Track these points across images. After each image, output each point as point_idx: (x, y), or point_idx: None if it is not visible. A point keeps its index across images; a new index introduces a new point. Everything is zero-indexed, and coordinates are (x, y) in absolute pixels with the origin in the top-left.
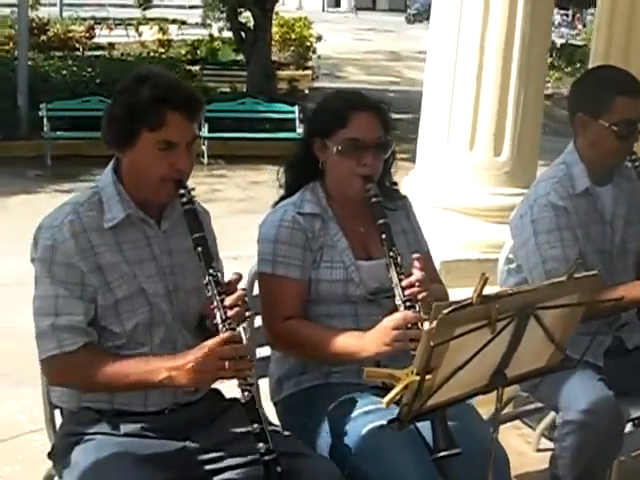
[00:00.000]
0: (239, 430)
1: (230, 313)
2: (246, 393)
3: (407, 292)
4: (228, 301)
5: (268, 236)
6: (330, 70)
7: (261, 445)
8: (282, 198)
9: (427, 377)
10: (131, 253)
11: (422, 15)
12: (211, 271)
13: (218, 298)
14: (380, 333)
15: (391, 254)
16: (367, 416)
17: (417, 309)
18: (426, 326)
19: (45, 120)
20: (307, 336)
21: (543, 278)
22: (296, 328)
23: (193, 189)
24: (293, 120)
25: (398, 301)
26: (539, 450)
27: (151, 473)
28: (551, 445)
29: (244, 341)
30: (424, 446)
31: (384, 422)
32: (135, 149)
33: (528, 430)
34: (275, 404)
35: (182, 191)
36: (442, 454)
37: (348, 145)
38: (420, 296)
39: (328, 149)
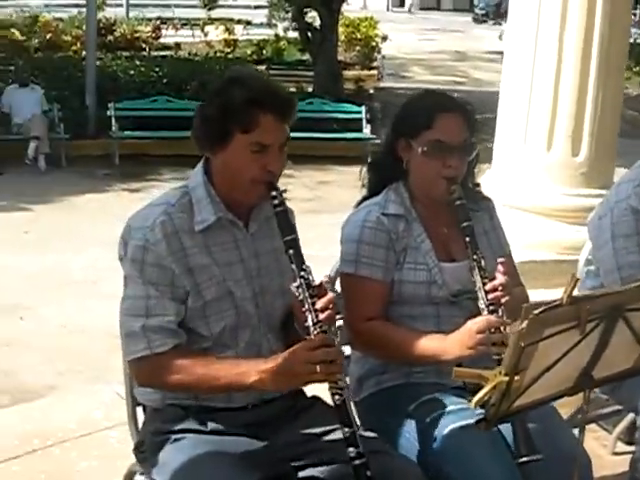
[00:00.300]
0: (323, 429)
1: (321, 316)
2: (337, 397)
3: (490, 296)
4: (319, 304)
5: (351, 236)
6: (395, 70)
7: (352, 449)
8: (365, 198)
9: (516, 378)
10: (220, 255)
11: (489, 15)
12: (303, 274)
13: (310, 301)
14: (463, 336)
15: (475, 257)
16: (449, 416)
17: (500, 313)
18: (509, 330)
19: (113, 120)
20: (388, 337)
21: (618, 285)
22: (377, 329)
23: (285, 191)
24: (360, 120)
25: (481, 305)
26: (615, 454)
27: (242, 472)
28: (627, 449)
29: (336, 344)
30: (506, 448)
31: (466, 422)
32: (227, 150)
33: (603, 433)
34: (355, 404)
35: (274, 193)
36: (523, 459)
37: (433, 147)
38: (503, 300)
39: (413, 150)
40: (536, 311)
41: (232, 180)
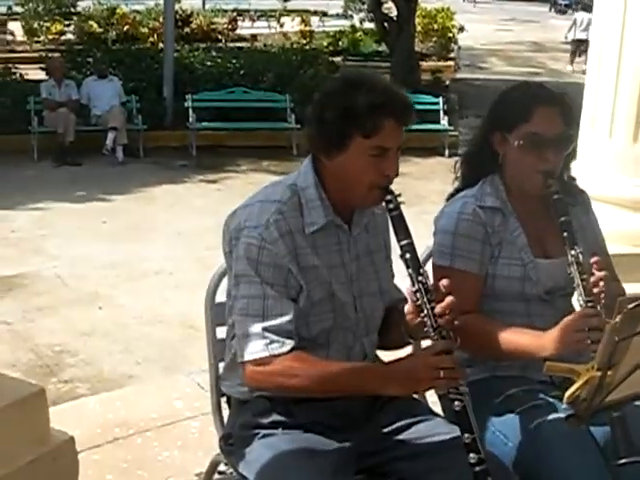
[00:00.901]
0: (409, 421)
1: (440, 321)
2: (457, 402)
3: (595, 290)
4: (438, 309)
5: (447, 227)
6: (472, 61)
7: (473, 455)
8: (457, 190)
9: (608, 373)
10: (326, 257)
11: (571, 6)
12: (420, 278)
13: (429, 306)
14: (562, 333)
15: (573, 253)
16: (536, 411)
17: (599, 310)
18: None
19: (190, 111)
20: (484, 331)
21: None
22: (473, 323)
23: (399, 195)
24: (437, 111)
25: (580, 301)
26: None
27: (332, 473)
28: None
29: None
30: (597, 450)
31: (554, 417)
32: (345, 154)
33: None
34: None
35: (389, 197)
36: (623, 461)
37: (530, 140)
38: (602, 296)
39: (508, 143)
40: (630, 305)
41: (348, 184)
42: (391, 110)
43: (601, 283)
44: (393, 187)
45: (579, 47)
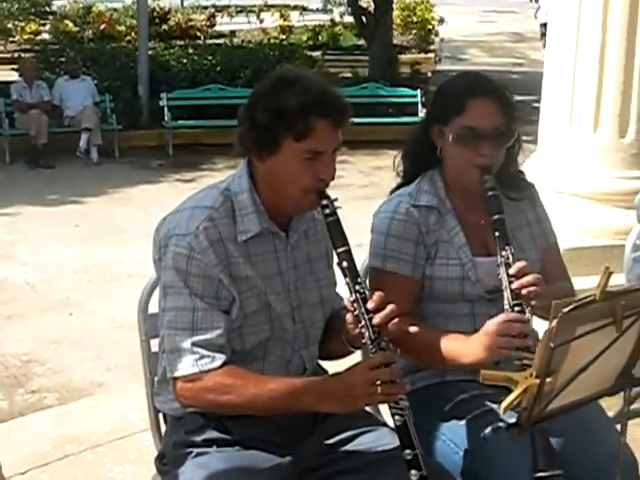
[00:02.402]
0: (351, 433)
1: (379, 331)
2: (397, 417)
3: (524, 291)
4: (377, 319)
5: (380, 228)
6: (453, 53)
7: (414, 472)
8: (399, 186)
9: (547, 380)
10: (261, 267)
11: None
12: (358, 287)
13: (367, 317)
14: (485, 338)
15: (503, 254)
16: (487, 417)
17: (527, 315)
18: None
19: (166, 109)
20: (413, 336)
21: None
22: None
23: (336, 199)
24: (416, 104)
25: (506, 305)
26: None
27: None
28: None
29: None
30: None
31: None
32: (277, 157)
33: None
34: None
35: (325, 202)
36: (540, 475)
37: (464, 134)
38: (532, 299)
39: (445, 136)
40: (566, 309)
41: (281, 189)
42: (324, 112)
43: (527, 290)
44: (373, 179)
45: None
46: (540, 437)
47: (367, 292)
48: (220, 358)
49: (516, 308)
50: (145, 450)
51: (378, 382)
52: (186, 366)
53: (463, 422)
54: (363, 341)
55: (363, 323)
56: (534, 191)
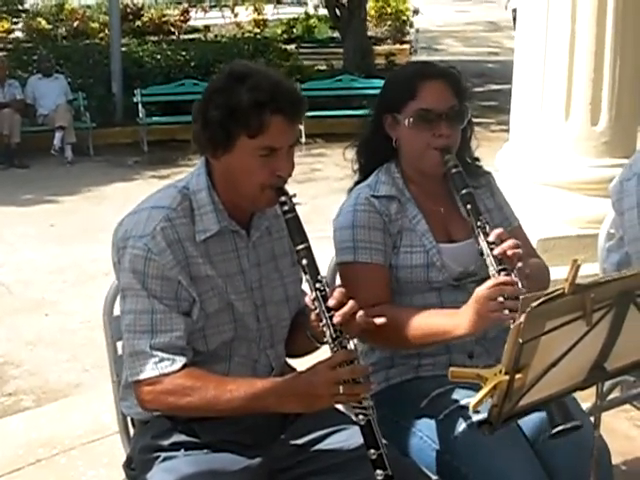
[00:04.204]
0: (321, 433)
1: (336, 320)
2: (361, 417)
3: (501, 255)
4: (337, 317)
5: (344, 223)
6: (428, 43)
7: (379, 472)
8: (357, 183)
9: (517, 376)
10: (221, 266)
11: None
12: (318, 285)
13: (327, 315)
14: (476, 305)
15: (479, 224)
16: (464, 411)
17: (513, 277)
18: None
19: (140, 106)
20: (397, 319)
21: None
22: (385, 313)
23: (294, 195)
24: None
25: (492, 271)
26: None
27: None
28: None
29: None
30: (525, 441)
31: (482, 418)
32: (232, 154)
33: (637, 413)
34: None
35: (283, 198)
36: (559, 428)
37: (420, 116)
38: (517, 262)
39: (400, 124)
40: (535, 303)
41: (238, 186)
42: (278, 107)
43: (512, 251)
44: (349, 172)
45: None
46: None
47: (328, 289)
48: (180, 360)
49: (502, 273)
50: (118, 453)
51: (341, 381)
52: (146, 369)
53: (440, 418)
54: (325, 339)
55: (324, 322)
56: (491, 179)
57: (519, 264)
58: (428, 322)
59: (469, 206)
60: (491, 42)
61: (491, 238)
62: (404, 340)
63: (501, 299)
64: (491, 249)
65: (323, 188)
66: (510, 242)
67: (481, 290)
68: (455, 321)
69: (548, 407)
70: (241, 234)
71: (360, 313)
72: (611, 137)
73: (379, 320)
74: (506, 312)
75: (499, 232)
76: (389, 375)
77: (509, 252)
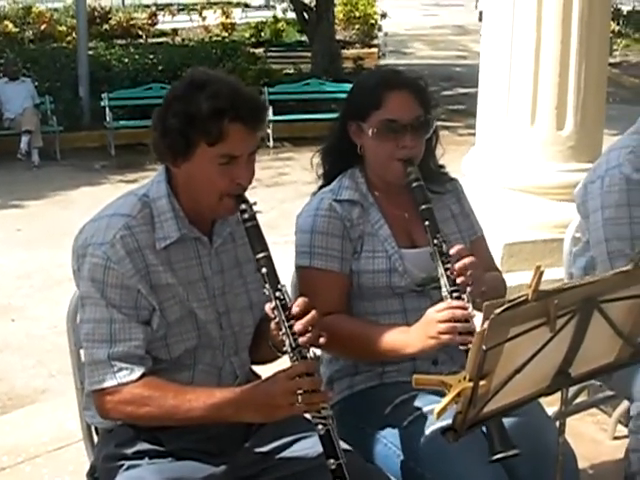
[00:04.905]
0: (288, 439)
1: (301, 340)
2: (320, 427)
3: (458, 280)
4: (298, 326)
5: (304, 227)
6: (396, 47)
7: None
8: (321, 187)
9: (481, 383)
10: (182, 273)
11: None
12: (278, 294)
13: (287, 324)
14: (426, 326)
15: (435, 242)
16: (427, 419)
17: (465, 299)
18: (477, 320)
19: (107, 110)
20: (347, 332)
21: (605, 258)
22: (335, 324)
23: (255, 203)
24: None
25: (444, 292)
26: (616, 438)
27: None
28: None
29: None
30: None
31: (446, 424)
32: (192, 162)
33: (604, 417)
34: None
35: (244, 206)
36: (498, 456)
37: (384, 127)
38: (469, 289)
39: (364, 132)
40: (498, 310)
41: (198, 194)
42: (237, 115)
43: (468, 272)
44: (315, 176)
45: None
46: (493, 420)
47: (288, 299)
48: (139, 370)
49: (454, 294)
50: (84, 460)
51: (299, 391)
52: (105, 379)
53: (404, 425)
54: (284, 349)
55: (284, 330)
56: (457, 185)
57: (468, 288)
58: (380, 338)
59: (427, 222)
60: (459, 46)
61: (452, 251)
62: (355, 353)
63: (452, 321)
64: (446, 269)
65: (291, 192)
66: (466, 261)
67: (431, 312)
68: (406, 339)
69: (489, 432)
70: (203, 241)
71: (320, 336)
72: (577, 142)
73: (321, 340)
74: (456, 334)
75: (459, 248)
76: (353, 382)
77: (459, 279)
